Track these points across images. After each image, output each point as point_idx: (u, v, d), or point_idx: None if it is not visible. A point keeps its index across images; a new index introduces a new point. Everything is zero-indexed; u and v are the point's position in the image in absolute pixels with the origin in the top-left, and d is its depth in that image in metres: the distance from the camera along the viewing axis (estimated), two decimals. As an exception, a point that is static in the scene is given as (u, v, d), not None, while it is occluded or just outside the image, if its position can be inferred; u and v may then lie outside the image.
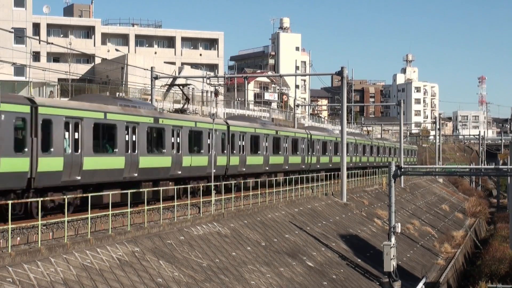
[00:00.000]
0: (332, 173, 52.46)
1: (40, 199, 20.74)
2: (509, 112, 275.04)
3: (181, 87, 42.92)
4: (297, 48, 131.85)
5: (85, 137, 25.43)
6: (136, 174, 28.64)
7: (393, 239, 34.99)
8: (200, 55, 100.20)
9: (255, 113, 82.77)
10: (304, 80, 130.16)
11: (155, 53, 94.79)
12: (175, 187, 30.66)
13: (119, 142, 27.52)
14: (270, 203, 37.00)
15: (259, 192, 36.18)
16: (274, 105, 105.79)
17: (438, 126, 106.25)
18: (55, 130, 23.85)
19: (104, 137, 27.02)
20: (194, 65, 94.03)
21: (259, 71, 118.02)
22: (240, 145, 39.03)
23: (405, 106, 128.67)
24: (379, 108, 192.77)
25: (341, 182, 47.46)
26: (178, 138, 32.01)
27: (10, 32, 48.80)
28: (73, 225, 22.69)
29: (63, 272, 18.63)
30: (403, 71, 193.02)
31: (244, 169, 39.49)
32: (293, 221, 36.38)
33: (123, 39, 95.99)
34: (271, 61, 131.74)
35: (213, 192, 31.19)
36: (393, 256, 33.88)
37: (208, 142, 34.73)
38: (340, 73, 47.18)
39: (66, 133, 24.53)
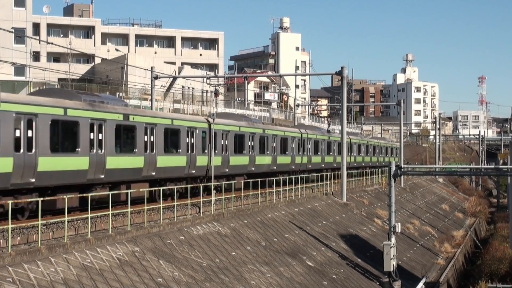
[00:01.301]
0: (259, 180, 36.73)
1: None
2: (509, 112, 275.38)
3: None
4: (297, 48, 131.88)
5: None
6: None
7: (393, 239, 35.00)
8: (200, 55, 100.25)
9: (255, 113, 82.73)
10: (304, 80, 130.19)
11: (155, 53, 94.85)
12: None
13: None
14: (270, 203, 37.01)
15: (259, 192, 36.18)
16: (274, 105, 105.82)
17: (438, 126, 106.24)
18: None
19: None
20: (194, 65, 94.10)
21: (259, 71, 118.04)
22: (28, 139, 23.08)
23: (405, 106, 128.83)
24: (379, 108, 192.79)
25: (341, 182, 47.48)
26: None
27: (10, 32, 48.79)
28: (73, 225, 22.69)
29: (63, 272, 18.63)
30: (403, 71, 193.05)
31: (55, 178, 24.38)
32: (293, 220, 36.38)
33: (123, 39, 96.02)
34: (271, 61, 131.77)
35: (213, 192, 31.19)
36: (393, 256, 33.89)
37: None
38: (340, 73, 47.23)
39: None
